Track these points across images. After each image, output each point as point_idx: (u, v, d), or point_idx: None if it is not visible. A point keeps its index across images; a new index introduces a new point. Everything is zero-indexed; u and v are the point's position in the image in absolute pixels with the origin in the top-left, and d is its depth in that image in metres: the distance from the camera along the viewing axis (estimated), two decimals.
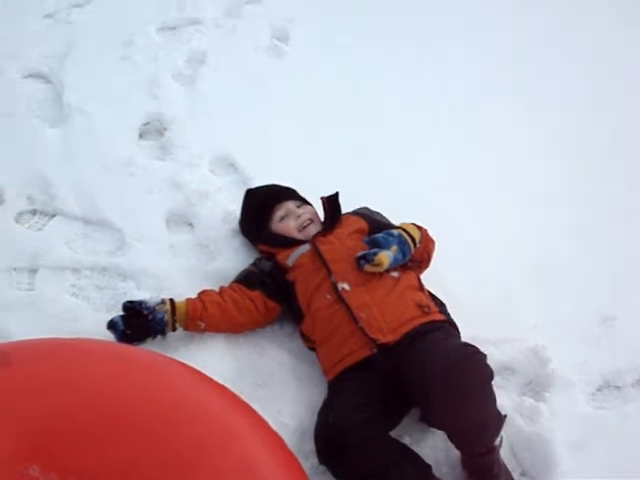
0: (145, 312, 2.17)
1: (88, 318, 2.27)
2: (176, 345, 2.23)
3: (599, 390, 2.42)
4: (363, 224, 2.47)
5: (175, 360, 1.88)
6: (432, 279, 2.42)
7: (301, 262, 2.36)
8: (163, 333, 2.20)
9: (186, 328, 2.24)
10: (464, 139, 3.21)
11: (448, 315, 2.31)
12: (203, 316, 2.23)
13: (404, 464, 1.94)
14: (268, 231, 2.50)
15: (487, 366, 1.99)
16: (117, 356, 1.80)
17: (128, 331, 2.15)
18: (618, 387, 2.44)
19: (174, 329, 2.22)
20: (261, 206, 2.55)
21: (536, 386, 2.37)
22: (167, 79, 3.21)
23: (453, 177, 3.00)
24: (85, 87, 3.08)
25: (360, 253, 2.27)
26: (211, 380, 1.83)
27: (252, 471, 1.61)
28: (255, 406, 1.83)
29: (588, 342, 2.50)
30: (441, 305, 2.34)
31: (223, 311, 2.26)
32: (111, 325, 2.16)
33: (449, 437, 2.03)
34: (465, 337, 2.30)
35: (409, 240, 2.31)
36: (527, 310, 2.56)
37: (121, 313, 2.18)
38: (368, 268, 2.24)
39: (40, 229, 2.55)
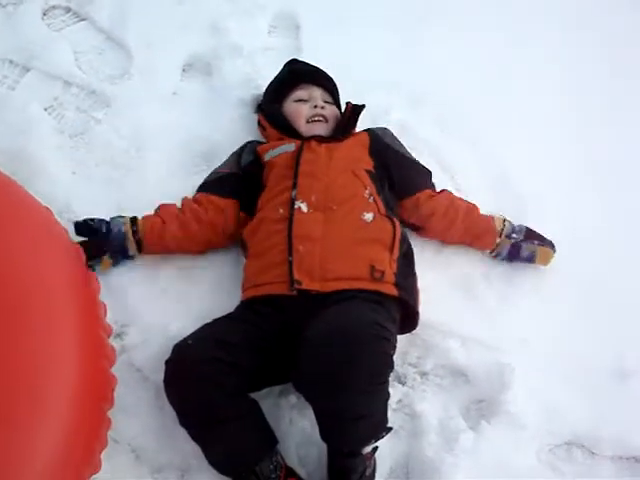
0: (96, 225, 1.91)
1: (41, 139, 2.09)
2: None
3: (567, 444, 1.92)
4: (365, 141, 2.07)
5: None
6: None
7: (277, 162, 2.00)
8: (124, 252, 1.94)
9: (144, 249, 1.96)
10: None
11: (406, 291, 1.83)
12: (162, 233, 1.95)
13: (241, 424, 1.65)
14: (278, 106, 2.14)
15: (384, 357, 1.61)
16: None
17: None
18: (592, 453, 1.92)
19: (139, 246, 1.94)
20: (291, 77, 2.19)
21: (485, 409, 1.91)
22: None
23: None
24: None
25: None
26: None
27: None
28: None
29: (582, 390, 1.95)
30: (405, 277, 1.86)
31: (182, 224, 1.95)
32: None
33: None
34: (434, 319, 1.95)
35: None
36: (526, 316, 2.04)
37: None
38: None
39: (60, 30, 2.37)
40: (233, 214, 2.00)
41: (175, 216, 1.96)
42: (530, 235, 2.09)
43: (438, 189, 2.13)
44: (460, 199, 2.11)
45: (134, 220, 1.94)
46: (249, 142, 2.15)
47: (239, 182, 2.04)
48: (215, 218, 1.98)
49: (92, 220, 1.92)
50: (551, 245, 2.09)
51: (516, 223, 2.10)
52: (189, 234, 1.96)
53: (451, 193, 2.12)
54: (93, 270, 1.84)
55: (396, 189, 2.05)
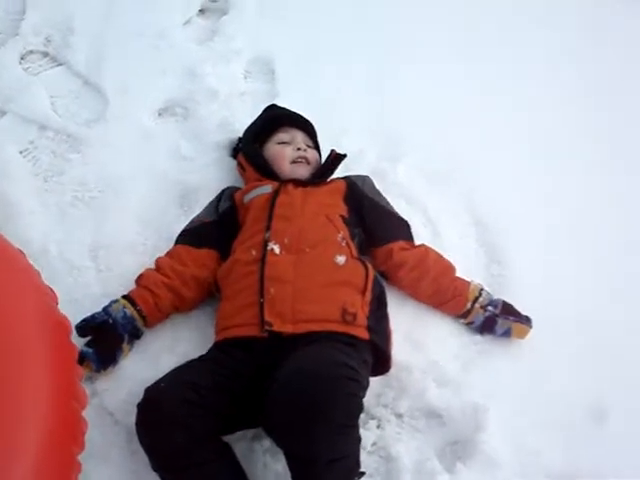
0: (100, 319, 1.86)
1: (15, 182, 2.09)
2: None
3: None
4: (342, 188, 2.09)
5: None
6: None
7: (253, 204, 2.02)
8: (137, 333, 1.91)
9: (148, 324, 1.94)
10: None
11: (377, 334, 1.83)
12: (158, 304, 1.92)
13: (213, 468, 1.63)
14: (259, 149, 2.17)
15: (353, 398, 1.59)
16: None
17: (96, 349, 1.83)
18: None
19: (145, 322, 1.91)
20: (273, 120, 2.22)
21: (461, 451, 1.90)
22: None
23: None
24: None
25: None
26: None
27: None
28: None
29: (558, 430, 1.94)
30: (377, 320, 1.86)
31: (174, 292, 1.94)
32: (82, 357, 1.77)
33: None
34: (409, 360, 1.95)
35: None
36: (501, 355, 2.03)
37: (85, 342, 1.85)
38: None
39: (37, 74, 2.41)
40: (214, 265, 1.99)
41: (163, 284, 1.93)
42: (505, 310, 2.03)
43: (417, 240, 2.11)
44: (438, 257, 2.07)
45: (131, 300, 1.90)
46: (227, 188, 2.17)
47: (217, 230, 2.05)
48: (197, 272, 1.97)
49: (91, 318, 1.86)
50: (527, 320, 2.03)
51: (495, 296, 2.06)
52: (183, 300, 1.96)
53: (429, 249, 2.08)
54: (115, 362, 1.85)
55: (370, 238, 2.05)
